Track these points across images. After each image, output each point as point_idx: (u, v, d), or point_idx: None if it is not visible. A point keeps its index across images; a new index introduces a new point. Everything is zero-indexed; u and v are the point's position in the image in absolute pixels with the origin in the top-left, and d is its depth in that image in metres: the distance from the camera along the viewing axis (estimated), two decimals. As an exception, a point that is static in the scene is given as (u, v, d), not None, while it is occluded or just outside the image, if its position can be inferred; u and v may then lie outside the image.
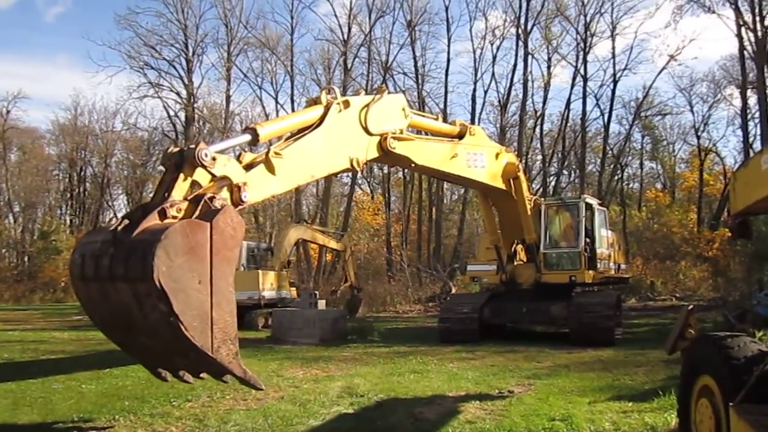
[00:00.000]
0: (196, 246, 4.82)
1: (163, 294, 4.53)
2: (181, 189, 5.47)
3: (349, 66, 41.47)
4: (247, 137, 6.39)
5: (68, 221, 54.22)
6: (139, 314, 4.85)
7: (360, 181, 46.33)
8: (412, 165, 9.85)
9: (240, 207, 5.91)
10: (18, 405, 7.76)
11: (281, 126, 7.07)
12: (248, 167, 6.21)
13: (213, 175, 5.69)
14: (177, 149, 5.70)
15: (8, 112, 51.01)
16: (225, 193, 5.77)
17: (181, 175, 5.49)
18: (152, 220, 4.99)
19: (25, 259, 49.73)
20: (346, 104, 7.66)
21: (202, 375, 5.64)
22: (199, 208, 5.36)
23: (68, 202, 56.50)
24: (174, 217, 5.14)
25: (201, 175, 5.63)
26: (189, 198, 5.48)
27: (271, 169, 6.40)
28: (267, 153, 6.44)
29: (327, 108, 7.31)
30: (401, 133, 8.85)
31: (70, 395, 8.35)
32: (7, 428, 6.70)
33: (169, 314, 4.58)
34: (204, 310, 4.82)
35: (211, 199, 5.44)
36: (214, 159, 5.61)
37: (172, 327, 4.65)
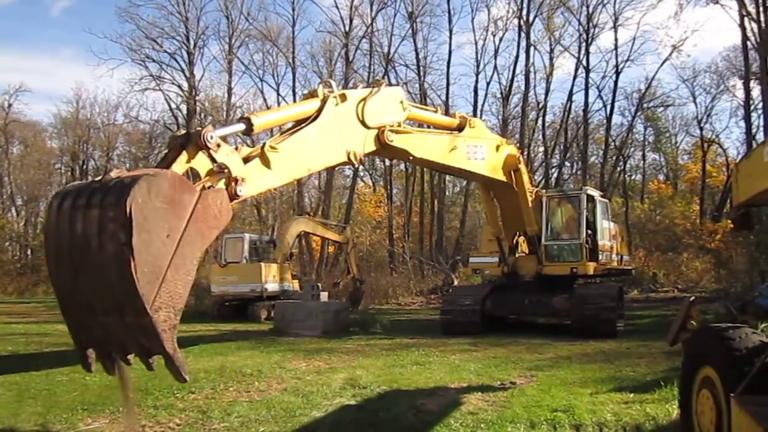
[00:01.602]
0: (179, 202, 4.71)
1: (128, 223, 4.36)
2: (181, 166, 5.43)
3: (350, 58, 41.35)
4: (242, 126, 6.37)
5: (70, 214, 54.20)
6: (96, 244, 4.61)
7: (362, 174, 46.33)
8: (411, 158, 9.83)
9: (234, 201, 5.90)
10: (22, 397, 7.81)
11: (276, 117, 7.03)
12: (244, 161, 6.21)
13: (213, 160, 5.68)
14: (184, 132, 5.71)
15: (10, 105, 51.18)
16: (221, 185, 5.77)
17: (184, 153, 5.48)
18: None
19: (28, 252, 49.93)
20: (343, 97, 7.63)
21: (129, 356, 5.31)
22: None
23: (70, 195, 56.51)
24: None
25: (200, 163, 5.61)
26: None
27: (266, 163, 6.39)
28: (262, 147, 6.43)
29: (324, 101, 7.28)
30: (399, 126, 8.83)
31: (74, 387, 8.39)
32: (12, 420, 6.74)
33: (125, 246, 4.37)
34: (160, 264, 4.61)
35: (209, 187, 5.43)
36: (218, 145, 5.60)
37: (121, 261, 4.42)
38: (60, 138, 57.01)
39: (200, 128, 5.51)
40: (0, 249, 49.71)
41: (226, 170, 5.75)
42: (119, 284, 4.54)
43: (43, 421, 6.69)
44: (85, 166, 55.98)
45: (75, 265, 4.90)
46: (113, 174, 4.90)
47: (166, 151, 5.81)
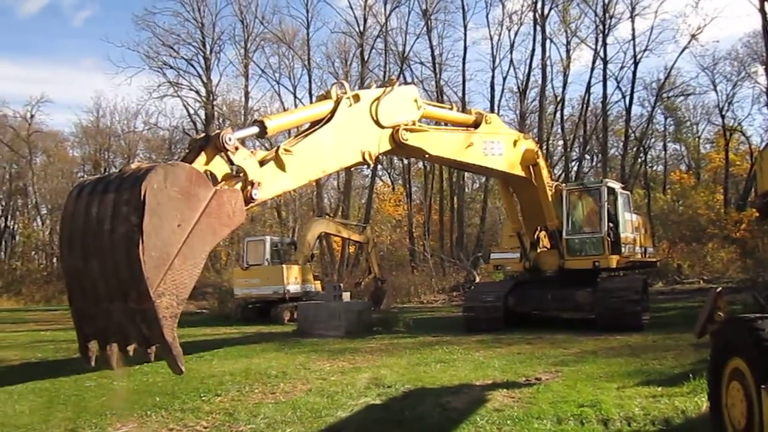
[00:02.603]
0: (193, 195, 4.76)
1: (141, 206, 4.43)
2: (199, 167, 5.48)
3: (366, 58, 41.41)
4: (255, 129, 6.39)
5: (94, 222, 54.96)
6: (108, 227, 4.67)
7: (380, 173, 46.37)
8: (426, 156, 9.81)
9: (250, 205, 5.94)
10: (53, 403, 7.94)
11: (290, 119, 7.06)
12: (260, 164, 6.25)
13: (230, 162, 5.72)
14: (203, 134, 5.76)
15: (32, 116, 51.92)
16: (238, 188, 5.81)
17: (202, 155, 5.53)
18: None
19: (54, 260, 50.61)
20: (357, 98, 7.63)
21: (128, 348, 5.33)
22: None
23: (94, 203, 57.30)
24: None
25: (218, 166, 5.65)
26: None
27: (281, 166, 6.41)
28: (277, 150, 6.46)
29: (337, 102, 7.29)
30: (414, 124, 8.81)
31: (102, 392, 8.51)
32: (43, 425, 6.85)
33: (136, 229, 4.43)
34: (168, 251, 4.64)
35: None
36: (236, 148, 5.63)
37: (130, 243, 4.47)
38: (81, 147, 57.84)
39: (219, 131, 5.56)
40: (27, 258, 50.61)
41: (242, 174, 5.79)
42: (126, 266, 4.57)
43: (73, 426, 6.79)
44: (107, 174, 56.66)
45: (85, 248, 4.94)
46: (134, 166, 4.96)
47: (186, 152, 5.86)
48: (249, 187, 5.83)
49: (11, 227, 55.44)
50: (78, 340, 5.14)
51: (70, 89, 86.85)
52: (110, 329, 5.11)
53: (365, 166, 8.74)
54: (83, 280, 5.13)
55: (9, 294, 41.92)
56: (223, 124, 45.07)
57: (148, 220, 4.43)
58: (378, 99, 8.00)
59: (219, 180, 5.63)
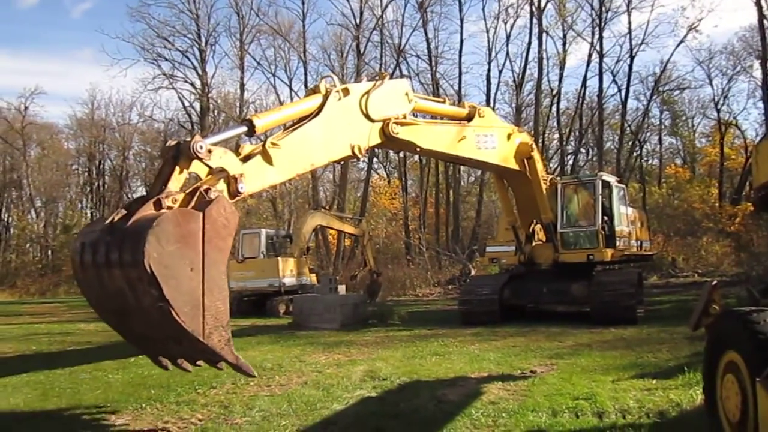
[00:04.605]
0: (188, 234, 4.90)
1: (154, 279, 4.59)
2: (177, 181, 5.56)
3: (362, 50, 41.29)
4: (244, 129, 6.40)
5: (89, 214, 54.99)
6: (132, 299, 4.93)
7: (376, 166, 46.39)
8: (418, 149, 9.79)
9: (238, 198, 5.98)
10: (47, 395, 7.91)
11: (279, 116, 7.04)
12: (246, 158, 6.24)
13: (210, 168, 5.74)
14: (174, 142, 5.75)
15: (26, 108, 51.75)
16: (221, 185, 5.82)
17: (177, 168, 5.56)
18: (147, 210, 5.08)
19: (49, 253, 50.61)
20: (346, 92, 7.61)
21: (198, 363, 5.67)
22: (195, 199, 5.45)
23: (88, 195, 57.30)
24: (169, 208, 5.24)
25: (199, 168, 5.69)
26: (186, 190, 5.56)
27: (268, 159, 6.42)
28: (263, 144, 6.46)
29: (326, 96, 7.28)
30: (404, 117, 8.80)
31: (97, 385, 8.49)
32: (37, 416, 6.84)
33: (160, 299, 4.65)
34: (195, 297, 4.87)
35: (207, 191, 5.51)
36: (209, 151, 5.64)
37: (163, 312, 4.71)
38: (76, 139, 57.79)
39: (189, 139, 5.59)
40: (21, 251, 50.52)
41: (224, 171, 5.83)
42: (168, 326, 4.90)
43: (68, 418, 6.77)
44: (101, 166, 56.61)
45: (118, 311, 5.35)
46: (116, 217, 5.17)
47: (161, 163, 5.91)
48: (233, 182, 5.89)
49: (5, 220, 55.31)
50: (146, 355, 5.85)
51: (66, 81, 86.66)
52: (175, 355, 5.71)
53: (360, 160, 8.74)
54: (128, 334, 5.72)
55: (3, 286, 41.90)
56: (218, 117, 45.06)
57: (166, 287, 4.66)
58: (368, 92, 7.98)
59: (203, 178, 5.73)
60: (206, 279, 4.95)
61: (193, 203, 5.38)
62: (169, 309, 4.66)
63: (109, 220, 5.24)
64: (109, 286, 5.06)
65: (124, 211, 5.21)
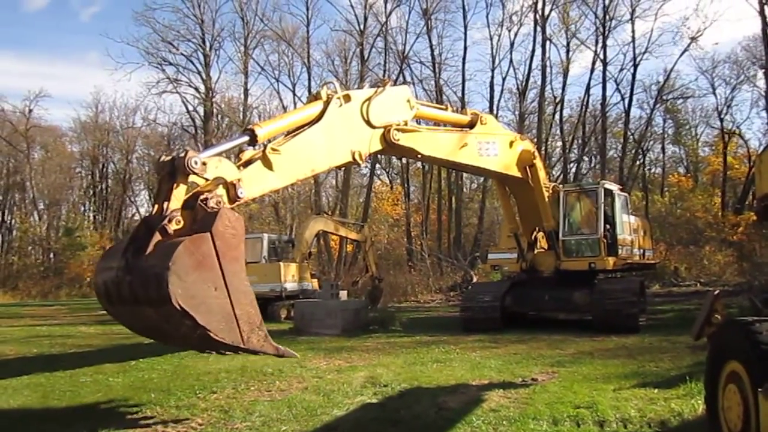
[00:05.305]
0: (203, 258, 5.06)
1: (185, 312, 4.81)
2: (178, 199, 5.64)
3: (366, 56, 41.39)
4: (245, 138, 6.43)
5: (92, 217, 55.12)
6: (170, 328, 5.21)
7: (379, 172, 46.38)
8: (419, 156, 9.81)
9: (237, 203, 6.02)
10: (47, 398, 7.91)
11: (280, 125, 7.06)
12: (246, 164, 6.28)
13: (206, 180, 5.78)
14: (169, 157, 5.78)
15: (30, 111, 51.88)
16: (221, 190, 5.85)
17: (176, 185, 5.61)
18: (156, 240, 5.30)
19: (51, 255, 50.62)
20: (347, 98, 7.63)
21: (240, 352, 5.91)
22: (196, 212, 5.55)
23: (91, 198, 57.36)
24: (175, 231, 5.37)
25: (196, 180, 5.73)
26: (185, 199, 5.60)
27: (268, 165, 6.45)
28: (264, 150, 6.48)
29: (327, 103, 7.30)
30: (406, 124, 8.80)
31: (98, 388, 8.48)
32: (37, 418, 6.84)
33: (196, 327, 4.90)
34: (227, 312, 5.09)
35: (206, 200, 5.53)
36: (204, 164, 5.67)
37: (201, 338, 5.01)
38: (80, 142, 57.92)
39: (183, 155, 5.61)
40: (23, 253, 50.52)
41: (221, 179, 5.87)
42: (210, 344, 5.34)
43: (67, 421, 6.74)
44: (105, 170, 56.72)
45: (160, 337, 5.80)
46: (129, 255, 5.38)
47: (158, 180, 5.95)
48: (232, 188, 5.93)
49: (8, 222, 55.41)
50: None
51: (71, 85, 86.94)
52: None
53: (361, 166, 8.79)
54: (171, 342, 6.21)
55: (5, 289, 41.86)
56: (221, 122, 45.16)
57: (198, 315, 4.91)
58: (369, 99, 8.01)
59: (202, 186, 5.82)
60: (231, 291, 5.15)
61: (196, 217, 5.52)
62: (207, 333, 4.93)
63: (122, 253, 5.43)
64: (144, 318, 5.33)
65: (133, 244, 5.43)
